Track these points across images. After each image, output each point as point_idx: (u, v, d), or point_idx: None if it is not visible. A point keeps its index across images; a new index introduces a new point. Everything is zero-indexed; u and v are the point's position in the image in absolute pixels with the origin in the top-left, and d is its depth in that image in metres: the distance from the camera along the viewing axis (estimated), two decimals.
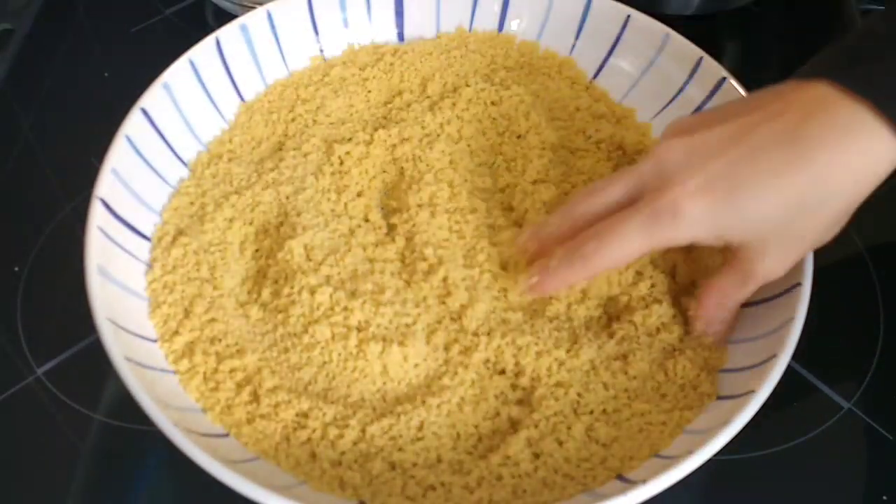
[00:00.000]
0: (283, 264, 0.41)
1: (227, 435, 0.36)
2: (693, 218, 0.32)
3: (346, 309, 0.39)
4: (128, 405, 0.34)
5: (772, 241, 0.33)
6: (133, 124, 0.43)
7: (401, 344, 0.38)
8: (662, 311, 0.40)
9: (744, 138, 0.32)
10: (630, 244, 0.34)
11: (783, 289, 0.39)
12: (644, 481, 0.32)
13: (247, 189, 0.44)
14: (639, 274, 0.41)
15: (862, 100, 0.30)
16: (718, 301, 0.37)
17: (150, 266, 0.41)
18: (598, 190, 0.36)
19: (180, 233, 0.42)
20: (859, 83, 0.30)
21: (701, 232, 0.33)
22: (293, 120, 0.48)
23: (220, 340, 0.39)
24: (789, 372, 0.35)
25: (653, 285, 0.41)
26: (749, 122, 0.32)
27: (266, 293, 0.40)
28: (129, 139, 0.43)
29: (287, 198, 0.44)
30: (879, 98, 0.30)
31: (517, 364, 0.38)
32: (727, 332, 0.39)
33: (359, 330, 0.38)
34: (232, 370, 0.38)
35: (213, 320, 0.39)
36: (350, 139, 0.47)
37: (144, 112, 0.44)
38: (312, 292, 0.39)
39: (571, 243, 0.36)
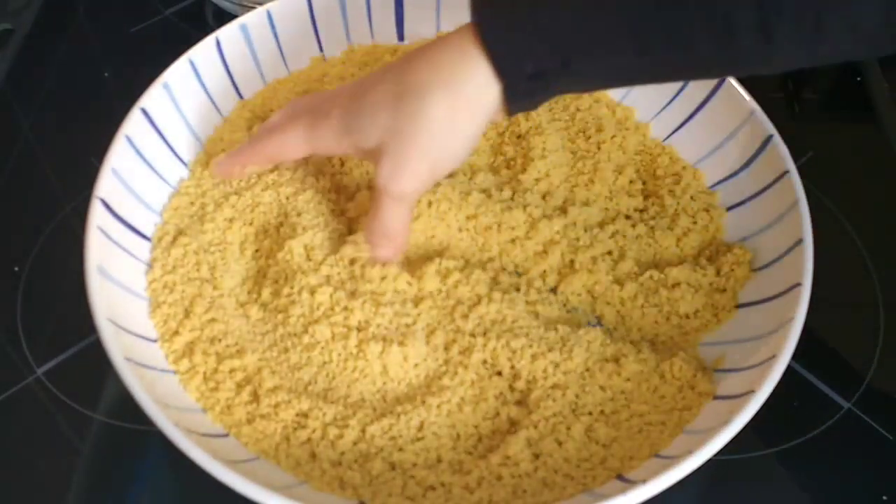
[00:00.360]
0: (283, 264, 0.41)
1: (227, 435, 0.36)
2: (336, 119, 0.37)
3: (345, 309, 0.39)
4: (128, 405, 0.34)
5: (388, 146, 0.36)
6: (133, 124, 0.43)
7: (401, 344, 0.38)
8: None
9: (388, 70, 0.37)
10: (295, 137, 0.39)
11: (783, 289, 0.39)
12: (644, 481, 0.32)
13: (246, 190, 0.44)
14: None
15: (474, 31, 0.33)
16: (370, 227, 0.39)
17: (150, 266, 0.41)
18: (271, 132, 0.41)
19: (180, 233, 0.42)
20: (484, 19, 0.33)
21: (341, 132, 0.37)
22: None
23: (220, 340, 0.39)
24: (789, 372, 0.35)
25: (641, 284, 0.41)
26: (388, 64, 0.37)
27: (266, 293, 0.40)
28: (129, 139, 0.43)
29: (287, 198, 0.44)
30: (485, 29, 0.33)
31: (513, 367, 0.39)
32: (392, 251, 0.40)
33: (359, 330, 0.38)
34: (232, 370, 0.38)
35: (213, 320, 0.39)
36: None
37: (144, 112, 0.44)
38: (312, 292, 0.39)
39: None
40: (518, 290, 0.42)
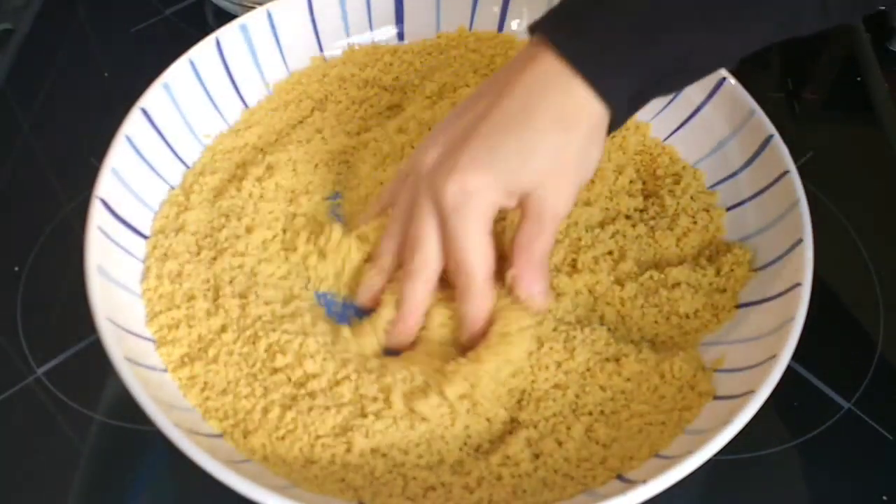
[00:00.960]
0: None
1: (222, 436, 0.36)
2: (481, 186, 0.36)
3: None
4: (128, 405, 0.34)
5: (549, 182, 0.36)
6: (133, 124, 0.43)
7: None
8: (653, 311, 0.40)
9: (484, 118, 0.36)
10: (473, 242, 0.37)
11: (783, 289, 0.39)
12: (644, 481, 0.32)
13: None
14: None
15: (573, 73, 0.35)
16: (527, 257, 0.38)
17: (144, 276, 0.41)
18: (416, 236, 0.38)
19: (169, 246, 0.42)
20: (571, 51, 0.35)
21: (495, 194, 0.36)
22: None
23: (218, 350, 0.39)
24: (789, 372, 0.35)
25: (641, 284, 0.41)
26: (485, 105, 0.37)
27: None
28: (129, 139, 0.43)
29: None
30: (584, 67, 0.34)
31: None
32: (546, 289, 0.40)
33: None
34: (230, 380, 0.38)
35: (210, 330, 0.39)
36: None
37: (144, 112, 0.44)
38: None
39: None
40: None
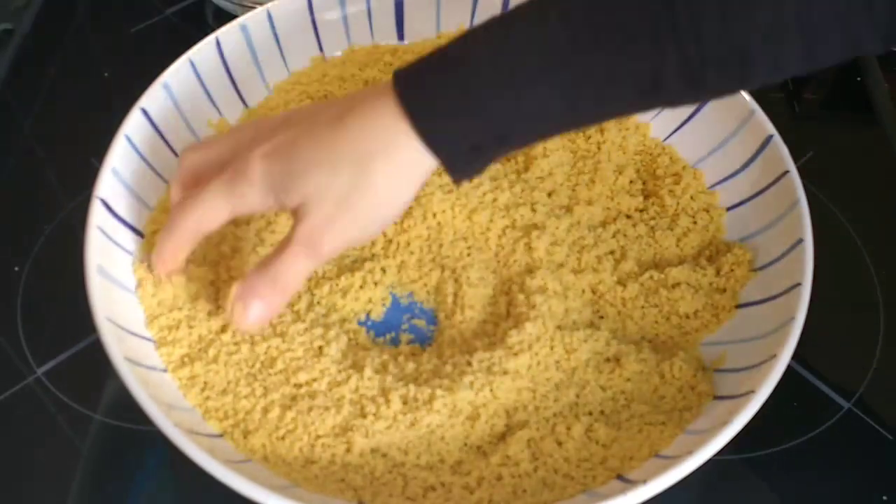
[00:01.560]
0: None
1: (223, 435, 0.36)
2: (258, 179, 0.35)
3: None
4: (127, 405, 0.34)
5: (315, 205, 0.34)
6: (133, 124, 0.43)
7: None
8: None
9: (305, 120, 0.35)
10: (213, 205, 0.36)
11: (783, 289, 0.39)
12: (644, 481, 0.32)
13: None
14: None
15: (405, 114, 0.33)
16: (262, 269, 0.36)
17: (139, 284, 0.40)
18: (194, 200, 0.37)
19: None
20: (410, 97, 0.33)
21: (265, 193, 0.35)
22: None
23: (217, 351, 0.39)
24: (789, 372, 0.35)
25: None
26: (311, 112, 0.36)
27: None
28: (129, 139, 0.43)
29: None
30: (417, 114, 0.33)
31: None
32: (262, 313, 0.36)
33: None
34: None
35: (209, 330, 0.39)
36: None
37: (144, 112, 0.44)
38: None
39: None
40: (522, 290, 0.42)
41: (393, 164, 0.34)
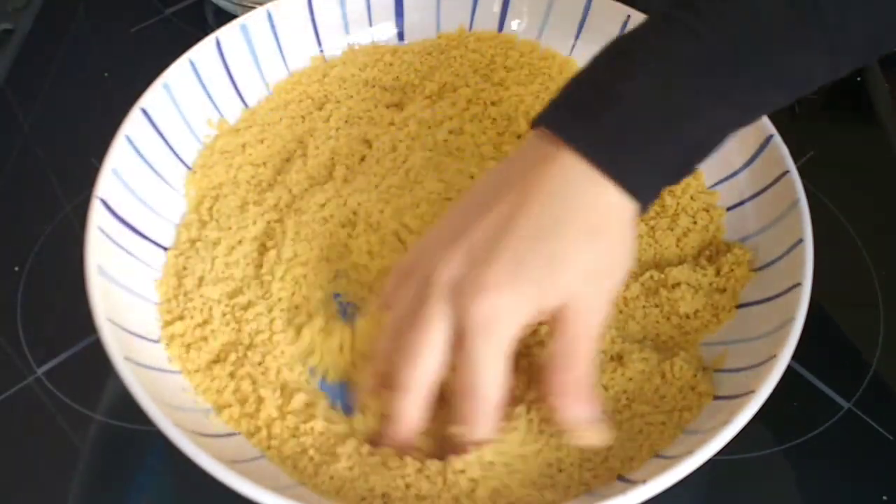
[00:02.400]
0: None
1: (228, 435, 0.36)
2: (512, 308, 0.33)
3: None
4: (128, 405, 0.34)
5: (581, 295, 0.34)
6: (133, 124, 0.43)
7: None
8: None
9: (508, 222, 0.33)
10: (493, 368, 0.33)
11: (783, 289, 0.39)
12: (644, 481, 0.32)
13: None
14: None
15: (594, 165, 0.32)
16: (562, 380, 0.34)
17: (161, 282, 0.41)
18: (417, 353, 0.34)
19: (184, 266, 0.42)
20: (591, 149, 0.32)
21: (523, 315, 0.33)
22: (302, 122, 0.49)
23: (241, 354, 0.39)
24: (789, 372, 0.35)
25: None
26: (508, 206, 0.34)
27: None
28: (129, 139, 0.43)
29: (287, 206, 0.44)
30: (606, 164, 0.32)
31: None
32: (594, 415, 0.35)
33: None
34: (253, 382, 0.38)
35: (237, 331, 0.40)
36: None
37: (144, 112, 0.44)
38: None
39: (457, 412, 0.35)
40: None
41: (615, 235, 0.34)
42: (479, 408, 0.34)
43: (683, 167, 0.35)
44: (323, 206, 0.43)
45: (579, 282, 0.33)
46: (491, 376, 0.33)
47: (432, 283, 0.34)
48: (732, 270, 0.42)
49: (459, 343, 0.33)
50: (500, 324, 0.33)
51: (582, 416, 0.35)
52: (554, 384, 0.34)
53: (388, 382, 0.35)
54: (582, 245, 0.33)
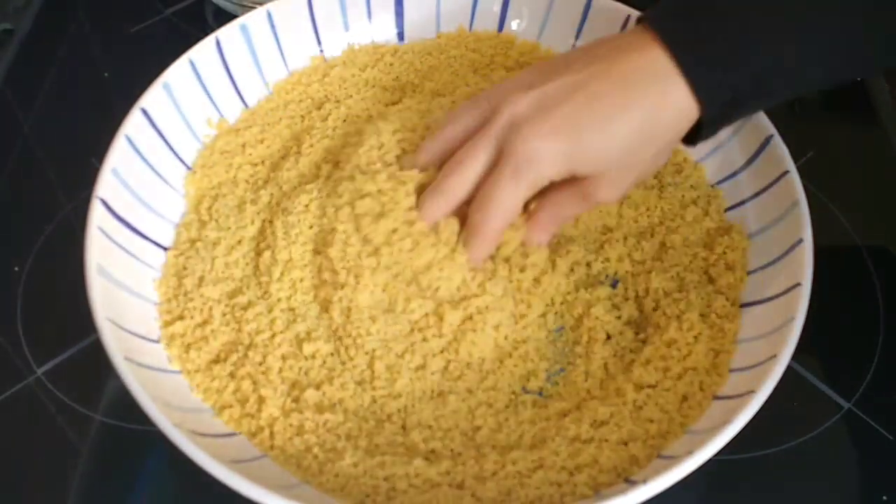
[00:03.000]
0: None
1: (229, 435, 0.36)
2: (548, 159, 0.36)
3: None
4: (128, 405, 0.34)
5: (612, 171, 0.37)
6: (133, 124, 0.43)
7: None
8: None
9: (583, 86, 0.36)
10: (509, 201, 0.37)
11: (783, 289, 0.39)
12: (645, 481, 0.32)
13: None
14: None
15: (676, 61, 0.35)
16: (553, 213, 0.39)
17: (161, 281, 0.41)
18: (462, 165, 0.38)
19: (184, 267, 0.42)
20: (678, 45, 0.35)
21: (556, 170, 0.37)
22: (301, 121, 0.49)
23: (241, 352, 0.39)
24: (789, 372, 0.35)
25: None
26: (588, 73, 0.37)
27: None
28: (129, 139, 0.43)
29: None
30: (688, 63, 0.35)
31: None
32: (549, 240, 0.41)
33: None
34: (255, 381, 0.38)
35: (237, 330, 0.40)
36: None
37: (144, 112, 0.44)
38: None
39: (467, 221, 0.39)
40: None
41: (669, 116, 0.36)
42: (483, 226, 0.38)
43: (749, 96, 0.35)
44: (307, 206, 0.43)
45: (617, 160, 0.36)
46: (506, 204, 0.37)
47: (497, 112, 0.38)
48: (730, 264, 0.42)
49: (496, 167, 0.37)
50: (532, 169, 0.36)
51: (542, 240, 0.40)
52: (543, 213, 0.39)
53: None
54: (636, 128, 0.36)
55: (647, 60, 0.35)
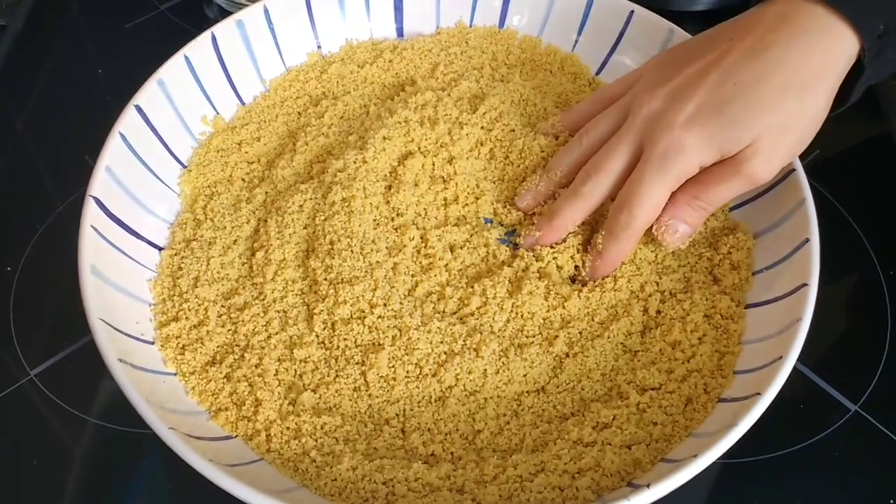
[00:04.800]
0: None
1: (225, 438, 0.36)
2: (695, 146, 0.35)
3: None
4: (122, 407, 0.33)
5: (764, 142, 0.35)
6: (127, 121, 0.43)
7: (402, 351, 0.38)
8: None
9: (716, 66, 0.35)
10: (655, 194, 0.37)
11: (790, 289, 0.39)
12: (648, 485, 0.32)
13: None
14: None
15: (817, 4, 0.34)
16: (702, 194, 0.37)
17: (156, 281, 0.41)
18: (601, 167, 0.38)
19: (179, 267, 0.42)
20: None
21: (703, 155, 0.36)
22: (298, 118, 0.48)
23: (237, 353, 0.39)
24: (795, 374, 0.35)
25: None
26: (718, 52, 0.36)
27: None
28: (123, 136, 0.42)
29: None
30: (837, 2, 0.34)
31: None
32: (691, 234, 0.39)
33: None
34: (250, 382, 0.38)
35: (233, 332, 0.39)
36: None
37: (139, 109, 0.43)
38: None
39: (606, 222, 0.38)
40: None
41: (826, 83, 0.34)
42: (630, 223, 0.37)
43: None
44: (301, 206, 0.43)
45: (768, 133, 0.35)
46: (652, 200, 0.36)
47: (633, 115, 0.37)
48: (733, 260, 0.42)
49: (637, 164, 0.37)
50: (677, 160, 0.35)
51: (683, 228, 0.38)
52: (691, 191, 0.37)
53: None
54: (786, 98, 0.34)
55: (795, 19, 0.34)
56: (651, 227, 0.39)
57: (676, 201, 0.38)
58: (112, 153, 0.41)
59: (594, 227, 0.42)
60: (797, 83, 0.34)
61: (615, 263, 0.39)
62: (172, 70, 0.45)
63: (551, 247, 0.41)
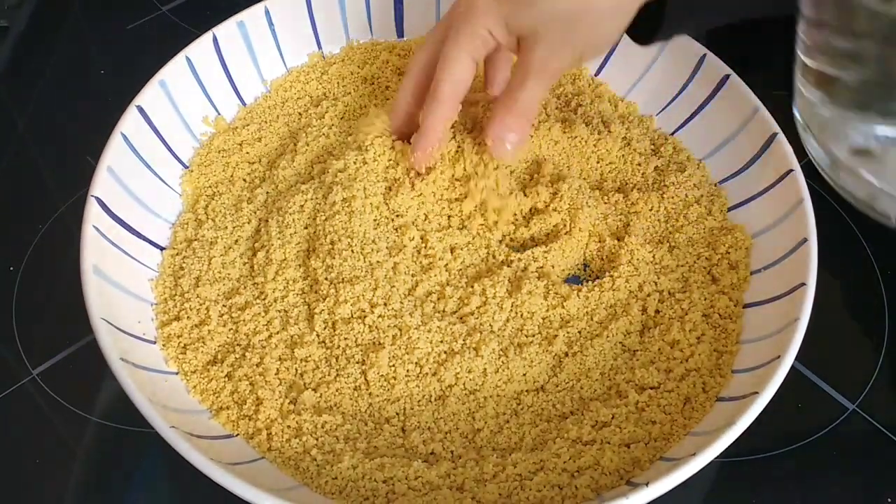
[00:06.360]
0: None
1: (227, 437, 0.36)
2: (483, 9, 0.37)
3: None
4: (124, 406, 0.34)
5: (548, 30, 0.37)
6: (129, 122, 0.43)
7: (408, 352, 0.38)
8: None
9: None
10: (453, 55, 0.38)
11: (787, 289, 0.39)
12: (647, 484, 0.32)
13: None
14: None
15: None
16: (505, 102, 0.39)
17: (158, 281, 0.41)
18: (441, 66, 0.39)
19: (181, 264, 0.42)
20: None
21: (491, 20, 0.37)
22: (299, 119, 0.48)
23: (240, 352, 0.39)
24: (793, 373, 0.35)
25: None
26: None
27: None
28: (125, 137, 0.42)
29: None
30: None
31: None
32: (519, 141, 0.40)
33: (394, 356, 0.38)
34: (252, 382, 0.38)
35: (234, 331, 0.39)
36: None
37: (141, 110, 0.43)
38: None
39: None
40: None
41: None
42: (434, 91, 0.39)
43: None
44: (302, 207, 0.43)
45: (551, 19, 0.36)
46: (449, 60, 0.38)
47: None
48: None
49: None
50: (470, 21, 0.37)
51: (506, 137, 0.39)
52: (495, 106, 0.39)
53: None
54: None
55: None
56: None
57: (495, 116, 0.39)
58: (114, 153, 0.41)
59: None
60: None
61: (425, 134, 0.40)
62: (174, 71, 0.45)
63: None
